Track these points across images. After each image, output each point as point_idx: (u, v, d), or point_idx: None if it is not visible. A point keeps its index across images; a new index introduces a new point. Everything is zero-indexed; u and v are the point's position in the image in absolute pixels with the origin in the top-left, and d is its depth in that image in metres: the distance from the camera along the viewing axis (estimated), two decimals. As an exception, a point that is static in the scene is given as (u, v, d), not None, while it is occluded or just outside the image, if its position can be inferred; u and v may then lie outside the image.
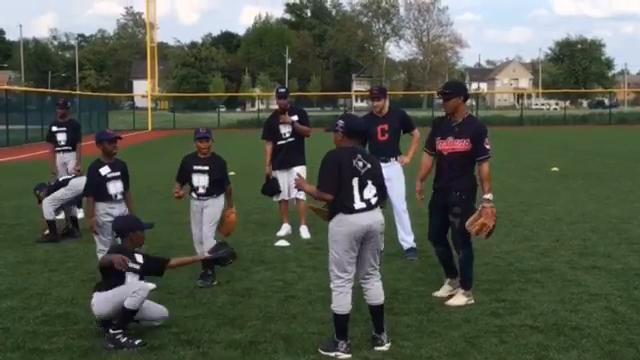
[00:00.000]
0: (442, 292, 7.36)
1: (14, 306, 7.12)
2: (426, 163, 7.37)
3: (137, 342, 5.88)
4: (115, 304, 6.00)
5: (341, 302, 5.66)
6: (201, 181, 7.88)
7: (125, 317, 5.96)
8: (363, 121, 6.58)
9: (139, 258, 6.37)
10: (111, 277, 6.16)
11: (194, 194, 7.97)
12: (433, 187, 7.23)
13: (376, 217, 5.70)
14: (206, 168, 7.89)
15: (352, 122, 5.87)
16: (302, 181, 6.04)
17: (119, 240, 6.62)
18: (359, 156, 5.68)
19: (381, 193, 5.78)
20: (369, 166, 5.69)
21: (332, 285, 5.72)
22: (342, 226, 5.60)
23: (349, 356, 5.61)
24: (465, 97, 7.06)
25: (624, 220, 11.52)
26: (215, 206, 7.95)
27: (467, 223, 6.87)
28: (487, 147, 6.95)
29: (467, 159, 6.95)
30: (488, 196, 6.83)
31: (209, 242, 7.83)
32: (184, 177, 8.04)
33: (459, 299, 7.03)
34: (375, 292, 5.82)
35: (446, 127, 7.09)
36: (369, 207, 5.64)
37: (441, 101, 7.17)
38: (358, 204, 5.59)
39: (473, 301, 7.02)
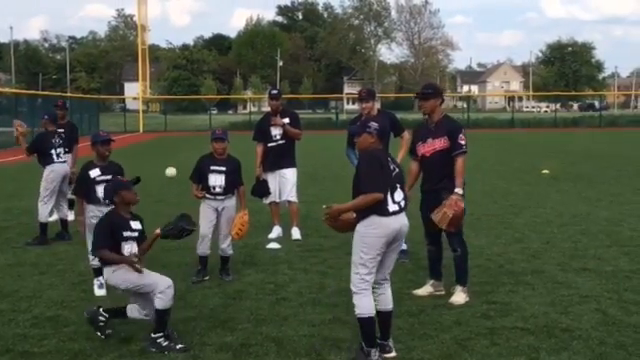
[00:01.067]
0: (422, 291, 7.48)
1: (4, 309, 7.08)
2: (414, 170, 7.44)
3: (178, 347, 5.85)
4: (129, 285, 5.98)
5: (366, 304, 5.48)
6: (218, 181, 8.17)
7: (160, 319, 5.92)
8: (386, 122, 6.32)
9: (135, 225, 6.21)
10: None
11: (209, 194, 8.21)
12: (421, 189, 7.31)
13: (404, 220, 5.64)
14: (223, 168, 8.18)
15: (383, 125, 5.77)
16: (334, 207, 5.65)
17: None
18: (389, 159, 5.65)
19: (406, 196, 5.72)
20: (397, 170, 5.66)
21: (356, 289, 5.50)
22: (376, 228, 5.45)
23: None
24: (442, 99, 7.34)
25: (614, 222, 11.56)
26: (232, 206, 8.29)
27: (432, 213, 6.98)
28: (461, 142, 7.06)
29: (449, 157, 7.05)
30: (457, 190, 6.91)
31: (229, 240, 8.30)
32: (199, 177, 8.27)
33: (460, 296, 7.13)
34: (387, 298, 5.73)
35: (424, 130, 7.31)
36: (400, 210, 5.58)
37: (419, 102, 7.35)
38: (392, 207, 5.51)
39: (468, 299, 7.09)
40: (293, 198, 10.54)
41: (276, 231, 10.59)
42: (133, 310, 6.14)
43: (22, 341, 6.11)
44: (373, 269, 5.52)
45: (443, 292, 7.35)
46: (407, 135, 9.34)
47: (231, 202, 8.28)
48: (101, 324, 6.13)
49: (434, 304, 7.06)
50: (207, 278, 8.08)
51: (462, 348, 5.83)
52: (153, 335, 5.90)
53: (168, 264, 8.91)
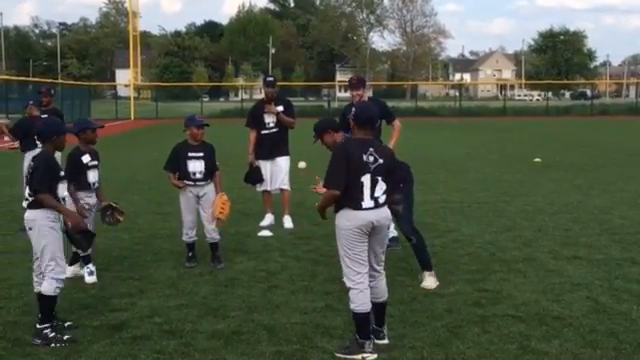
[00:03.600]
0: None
1: (-5, 296, 7.05)
2: None
3: (66, 337, 5.77)
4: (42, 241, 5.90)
5: (362, 300, 5.37)
6: (197, 167, 8.16)
7: (46, 307, 5.86)
8: (373, 107, 6.05)
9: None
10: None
11: (189, 181, 8.18)
12: None
13: (382, 213, 5.43)
14: (201, 154, 8.17)
15: (360, 110, 5.54)
16: (317, 206, 5.61)
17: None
18: (371, 150, 5.34)
19: (390, 187, 5.48)
20: (381, 161, 5.35)
21: (350, 284, 5.39)
22: (349, 220, 5.32)
23: (375, 356, 5.43)
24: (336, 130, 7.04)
25: (605, 211, 11.60)
26: (212, 191, 8.24)
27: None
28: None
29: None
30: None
31: (213, 224, 8.19)
32: (176, 165, 8.22)
33: (430, 281, 7.25)
34: (381, 290, 5.62)
35: None
36: (377, 205, 5.37)
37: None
38: (367, 202, 5.31)
39: (438, 282, 7.24)
40: (286, 186, 10.52)
41: (268, 219, 10.57)
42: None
43: (13, 328, 6.10)
44: (362, 260, 5.39)
45: None
46: (398, 123, 9.30)
47: (210, 187, 8.26)
48: (57, 336, 6.02)
49: (426, 292, 7.07)
50: (195, 265, 8.16)
51: (453, 336, 5.85)
52: (39, 326, 5.80)
53: (159, 251, 8.90)
